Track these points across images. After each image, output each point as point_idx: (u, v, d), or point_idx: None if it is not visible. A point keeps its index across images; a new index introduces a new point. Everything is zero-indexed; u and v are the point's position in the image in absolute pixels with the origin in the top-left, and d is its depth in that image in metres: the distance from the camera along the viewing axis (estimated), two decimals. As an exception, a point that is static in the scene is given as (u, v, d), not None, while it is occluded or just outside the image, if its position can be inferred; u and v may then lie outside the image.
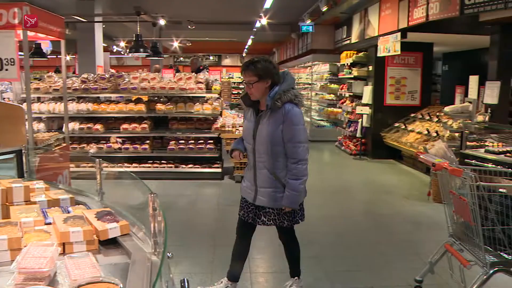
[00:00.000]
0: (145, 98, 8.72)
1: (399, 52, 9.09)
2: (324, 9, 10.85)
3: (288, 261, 4.09)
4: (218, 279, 4.16)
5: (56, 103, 8.29)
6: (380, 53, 9.99)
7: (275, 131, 3.47)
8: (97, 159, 3.09)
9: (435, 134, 8.61)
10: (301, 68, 17.50)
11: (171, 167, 8.44)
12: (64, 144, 5.28)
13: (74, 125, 8.21)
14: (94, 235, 2.23)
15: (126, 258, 2.12)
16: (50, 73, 9.21)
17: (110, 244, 2.28)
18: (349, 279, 4.49)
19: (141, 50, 10.86)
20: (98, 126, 8.31)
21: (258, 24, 14.48)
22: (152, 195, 1.98)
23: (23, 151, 4.12)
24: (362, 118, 10.87)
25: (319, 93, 14.95)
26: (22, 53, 4.87)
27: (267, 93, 3.49)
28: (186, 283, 1.87)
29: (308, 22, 12.81)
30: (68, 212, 2.59)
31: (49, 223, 2.40)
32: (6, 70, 4.31)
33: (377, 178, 9.12)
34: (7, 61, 4.30)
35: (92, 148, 8.30)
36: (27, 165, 4.06)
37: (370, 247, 5.35)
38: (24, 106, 4.65)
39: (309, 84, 15.71)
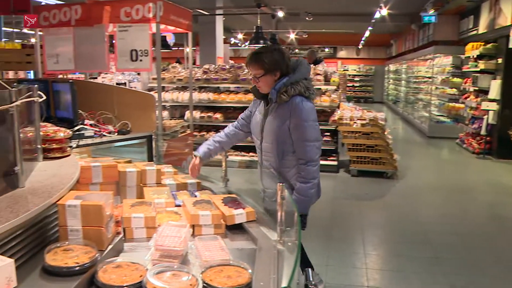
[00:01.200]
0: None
1: (534, 43, 8.36)
2: (451, -3, 10.29)
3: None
4: (333, 272, 4.12)
5: (179, 92, 8.75)
6: (512, 44, 9.25)
7: (281, 127, 3.00)
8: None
9: None
10: (420, 61, 16.77)
11: (288, 157, 8.49)
12: (189, 131, 5.54)
13: (195, 114, 8.58)
14: (221, 219, 2.32)
15: (252, 244, 2.18)
16: (174, 64, 9.70)
17: (235, 229, 2.35)
18: (471, 284, 4.24)
19: (261, 42, 11.06)
20: (218, 115, 8.62)
21: (377, 15, 14.08)
22: (281, 184, 2.01)
23: (153, 136, 4.41)
24: (487, 115, 10.16)
25: (440, 87, 14.22)
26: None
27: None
28: (309, 273, 1.88)
29: (431, 12, 12.20)
30: (195, 196, 2.72)
31: (179, 205, 2.54)
32: (141, 60, 4.63)
33: (503, 179, 8.49)
34: (141, 52, 4.61)
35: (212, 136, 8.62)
36: (156, 150, 4.34)
37: (494, 252, 4.99)
38: (154, 94, 4.93)
39: (429, 77, 15.00)
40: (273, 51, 3.01)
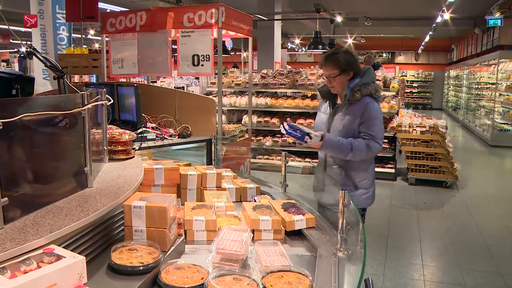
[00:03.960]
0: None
1: None
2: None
3: None
4: (390, 282, 4.04)
5: (237, 96, 8.84)
6: None
7: (352, 125, 3.20)
8: (283, 152, 3.19)
9: None
10: (483, 66, 16.17)
11: (343, 164, 8.40)
12: (247, 136, 5.58)
13: (252, 118, 8.65)
14: (281, 225, 2.32)
15: (311, 251, 2.16)
16: (232, 69, 9.81)
17: (294, 235, 2.34)
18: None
19: (320, 47, 11.01)
20: (275, 120, 8.64)
21: (439, 19, 13.71)
22: (343, 191, 1.99)
23: (212, 140, 4.47)
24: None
25: (504, 93, 13.65)
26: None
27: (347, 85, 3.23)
28: (370, 283, 1.84)
29: (497, 15, 11.76)
30: (255, 201, 2.74)
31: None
32: (202, 65, 4.71)
33: None
34: (203, 57, 4.69)
35: (268, 141, 8.66)
36: (215, 153, 4.40)
37: None
38: (214, 98, 5.00)
39: (493, 84, 14.44)
40: (346, 52, 3.24)
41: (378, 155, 7.99)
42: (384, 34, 20.35)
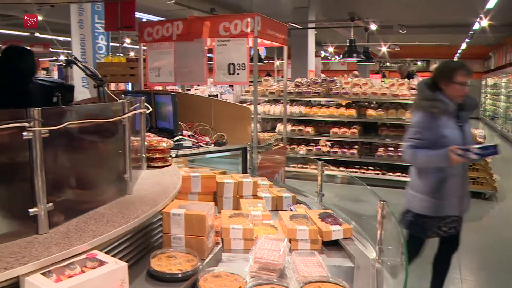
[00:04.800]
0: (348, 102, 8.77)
1: None
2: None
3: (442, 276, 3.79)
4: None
5: (271, 105, 8.86)
6: None
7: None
8: (319, 161, 3.18)
9: None
10: (523, 74, 15.78)
11: (378, 174, 8.32)
12: (282, 145, 5.58)
13: (286, 126, 8.65)
14: (318, 235, 2.30)
15: (348, 262, 2.14)
16: (267, 77, 9.84)
17: (331, 245, 2.32)
18: None
19: (354, 55, 10.95)
20: (309, 129, 8.62)
21: (476, 26, 13.44)
22: (381, 202, 1.97)
23: (248, 148, 4.49)
24: None
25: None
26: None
27: None
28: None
29: (538, 22, 11.46)
30: (291, 210, 2.73)
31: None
32: (238, 74, 4.75)
33: None
34: (238, 66, 4.73)
35: (302, 150, 8.63)
36: (250, 162, 4.41)
37: None
38: (249, 107, 5.03)
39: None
40: None
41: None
42: (419, 42, 20.03)
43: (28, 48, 4.31)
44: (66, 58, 3.55)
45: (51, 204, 1.63)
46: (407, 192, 3.54)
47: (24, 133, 1.54)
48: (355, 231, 2.44)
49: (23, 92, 3.57)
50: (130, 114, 2.12)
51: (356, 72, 15.07)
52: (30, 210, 1.59)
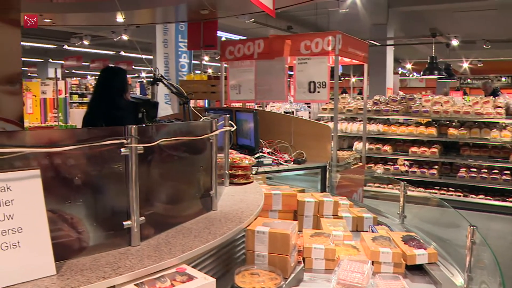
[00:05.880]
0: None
1: None
2: None
3: None
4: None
5: (348, 123, 8.76)
6: None
7: None
8: (402, 182, 3.11)
9: None
10: None
11: (459, 195, 7.97)
12: (360, 164, 5.51)
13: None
14: (401, 258, 2.24)
15: (434, 288, 2.07)
16: (344, 94, 9.76)
17: (414, 269, 2.25)
18: None
19: (435, 72, 10.65)
20: (387, 147, 8.43)
21: None
22: (471, 227, 1.89)
23: (327, 167, 4.46)
24: None
25: None
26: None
27: None
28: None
29: None
30: (373, 231, 2.68)
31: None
32: (318, 92, 4.76)
33: None
34: (319, 84, 4.74)
35: (379, 169, 8.45)
36: (329, 180, 4.38)
37: None
38: (328, 124, 5.01)
39: None
40: None
41: (497, 187, 7.53)
42: (504, 57, 19.11)
43: (121, 67, 4.56)
44: (153, 76, 3.72)
45: (143, 217, 1.71)
46: None
47: (122, 149, 1.63)
48: (440, 256, 2.35)
49: (116, 108, 3.77)
50: (217, 132, 2.18)
51: (445, 89, 14.59)
52: (124, 222, 1.66)
